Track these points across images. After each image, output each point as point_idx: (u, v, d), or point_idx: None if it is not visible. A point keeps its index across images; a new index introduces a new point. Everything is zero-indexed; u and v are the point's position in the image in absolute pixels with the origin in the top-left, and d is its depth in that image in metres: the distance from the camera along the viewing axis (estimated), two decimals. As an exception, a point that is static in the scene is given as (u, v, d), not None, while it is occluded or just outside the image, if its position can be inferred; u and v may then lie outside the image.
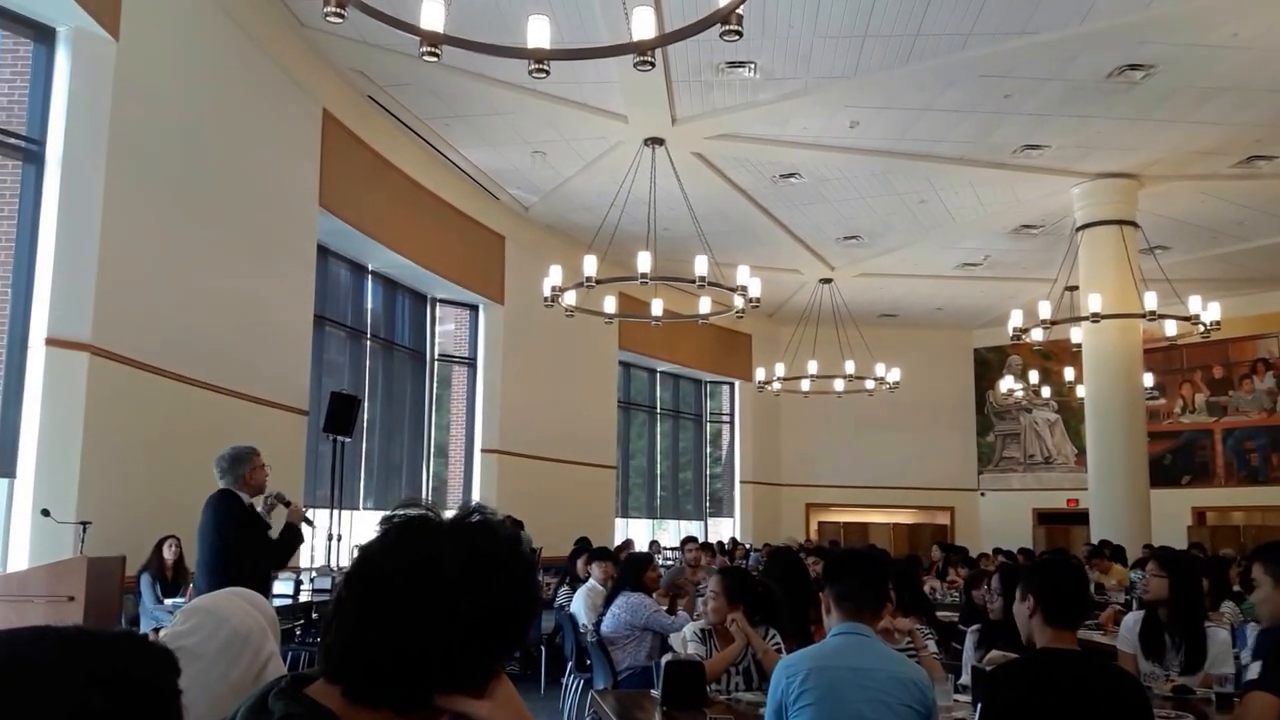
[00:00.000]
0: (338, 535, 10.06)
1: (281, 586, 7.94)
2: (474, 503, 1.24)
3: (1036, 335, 11.53)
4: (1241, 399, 17.73)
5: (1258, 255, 14.83)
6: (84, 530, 6.57)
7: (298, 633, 7.86)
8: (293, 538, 5.65)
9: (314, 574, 8.84)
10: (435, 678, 1.13)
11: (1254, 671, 3.13)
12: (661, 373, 19.50)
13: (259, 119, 9.21)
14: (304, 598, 8.03)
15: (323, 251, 10.79)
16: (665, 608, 6.46)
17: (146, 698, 0.91)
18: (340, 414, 10.01)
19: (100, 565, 6.28)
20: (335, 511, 10.24)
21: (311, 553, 10.36)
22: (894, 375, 15.53)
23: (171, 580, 7.29)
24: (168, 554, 7.33)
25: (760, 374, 16.32)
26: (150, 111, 7.70)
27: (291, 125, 9.74)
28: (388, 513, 1.23)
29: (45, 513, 6.47)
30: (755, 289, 9.98)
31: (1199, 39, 8.83)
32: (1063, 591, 2.97)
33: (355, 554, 1.22)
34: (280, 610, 7.45)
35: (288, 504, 5.72)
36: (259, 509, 5.56)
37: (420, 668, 1.13)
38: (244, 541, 5.20)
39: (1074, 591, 3.02)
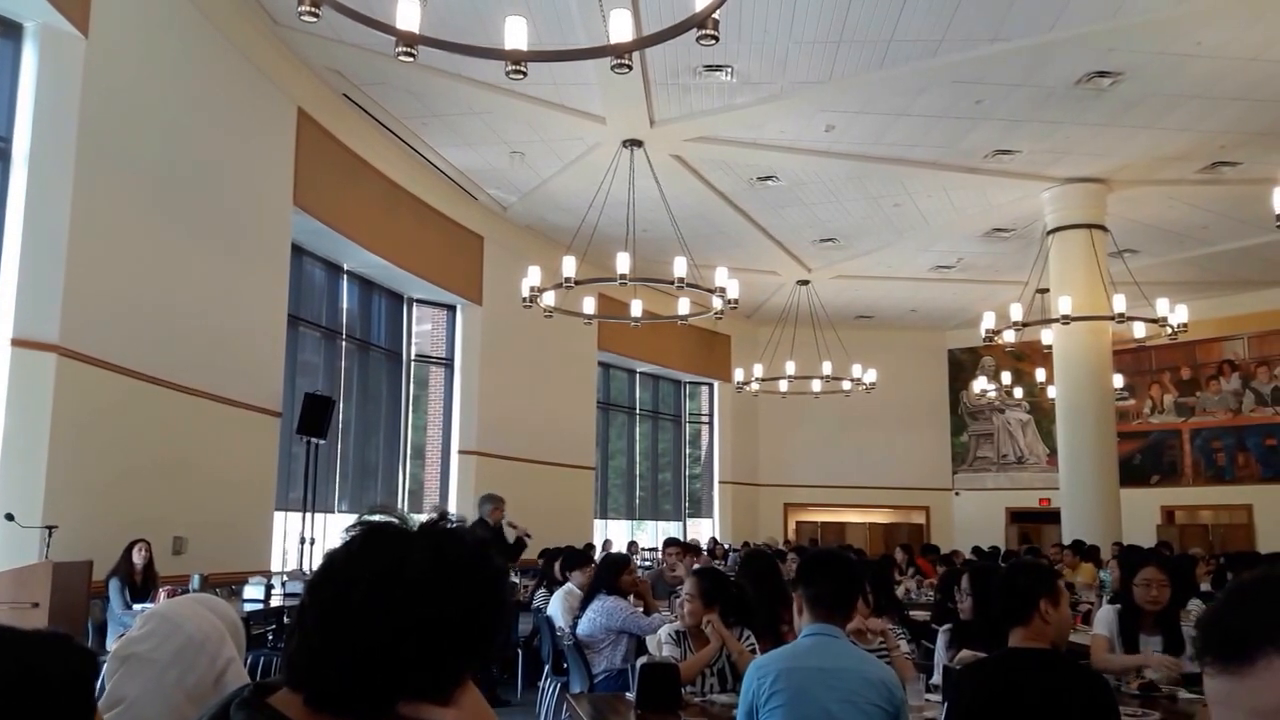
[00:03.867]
0: (310, 539, 9.99)
1: (252, 591, 7.90)
2: (443, 509, 1.24)
3: (1008, 337, 11.63)
4: (1208, 400, 17.95)
5: (1223, 259, 15.01)
6: (49, 535, 6.49)
7: (269, 638, 7.80)
8: (519, 546, 9.84)
9: (285, 578, 8.78)
10: (399, 686, 1.12)
11: None
12: (641, 373, 19.51)
13: (232, 117, 9.15)
14: (275, 602, 7.96)
15: (297, 251, 10.73)
16: (642, 608, 6.48)
17: (48, 695, 0.92)
18: (314, 415, 9.95)
19: (66, 570, 6.20)
20: (308, 515, 10.18)
21: (283, 557, 10.31)
22: (870, 376, 15.63)
23: (141, 585, 7.11)
24: (137, 558, 7.16)
25: (739, 375, 16.38)
26: (120, 109, 7.63)
27: (265, 123, 9.69)
28: (354, 520, 1.22)
29: (9, 517, 6.35)
30: (733, 290, 10.02)
31: (1165, 47, 8.94)
32: (1001, 591, 3.00)
33: (321, 561, 1.22)
34: (251, 615, 7.45)
35: (514, 526, 9.87)
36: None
37: (383, 676, 1.11)
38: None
39: (1006, 590, 3.02)
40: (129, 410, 7.65)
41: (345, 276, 12.35)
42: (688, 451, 20.75)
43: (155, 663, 1.81)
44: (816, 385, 15.73)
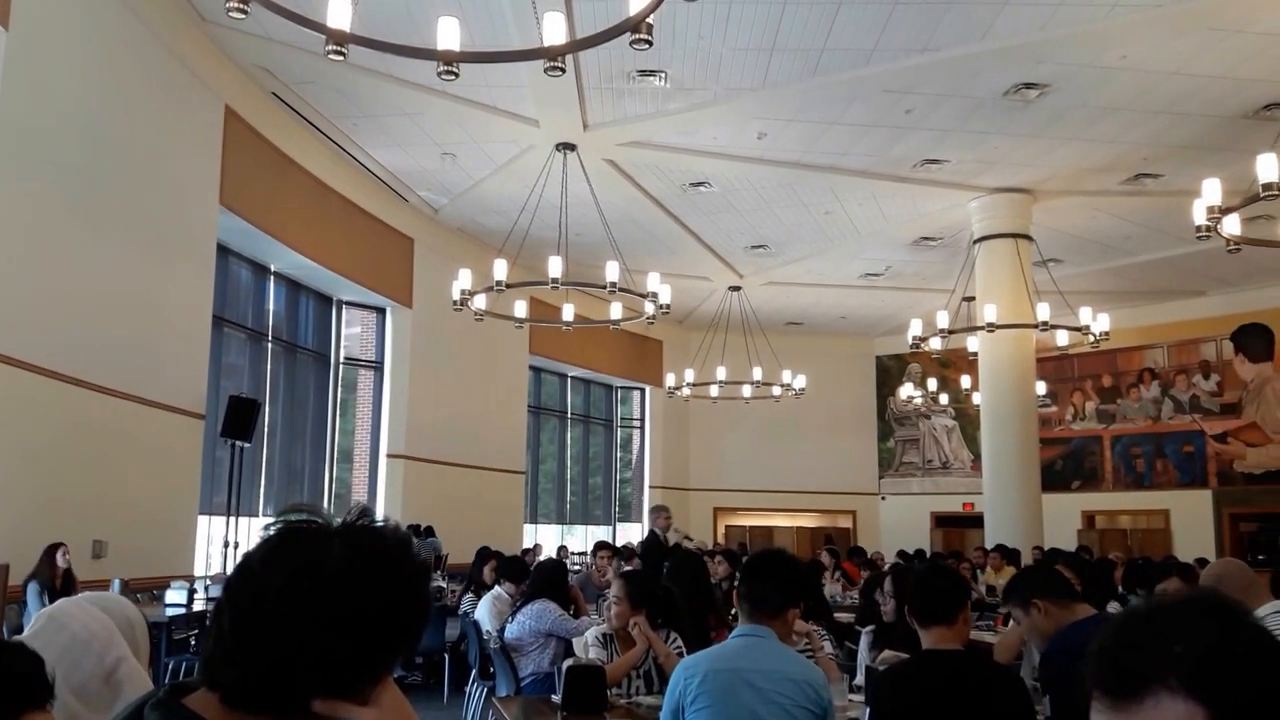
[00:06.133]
0: (234, 543, 9.80)
1: (174, 596, 7.74)
2: (361, 506, 1.23)
3: (935, 344, 11.82)
4: (1129, 407, 18.44)
5: (1144, 269, 15.44)
6: (-37, 538, 6.30)
7: (192, 643, 7.65)
8: (677, 548, 10.23)
9: (208, 583, 8.61)
10: (316, 684, 1.11)
11: (1049, 706, 3.31)
12: (572, 378, 19.48)
13: (157, 114, 8.95)
14: (198, 607, 7.82)
15: (223, 251, 10.53)
16: (572, 611, 6.46)
17: None
18: (239, 418, 9.76)
19: (-21, 574, 6.02)
20: (232, 519, 9.98)
21: (207, 561, 10.11)
22: (800, 382, 15.80)
23: (61, 589, 6.94)
24: (62, 561, 7.03)
25: (670, 379, 16.44)
26: (40, 103, 7.44)
27: (191, 121, 9.49)
28: (271, 519, 1.21)
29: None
30: (666, 295, 10.07)
31: (1091, 60, 9.18)
32: (923, 590, 3.07)
33: (237, 562, 1.21)
34: (173, 620, 7.29)
35: (679, 531, 11.04)
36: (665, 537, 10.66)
37: (300, 674, 1.11)
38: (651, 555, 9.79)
39: (932, 589, 3.08)
40: (47, 411, 7.45)
41: (272, 278, 12.14)
42: (619, 456, 20.77)
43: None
44: (747, 390, 15.87)
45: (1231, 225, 7.44)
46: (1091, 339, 11.34)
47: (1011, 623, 5.17)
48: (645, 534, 11.20)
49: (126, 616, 1.97)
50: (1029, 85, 9.67)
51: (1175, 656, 0.91)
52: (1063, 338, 11.82)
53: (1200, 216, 7.24)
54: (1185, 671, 0.90)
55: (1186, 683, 0.89)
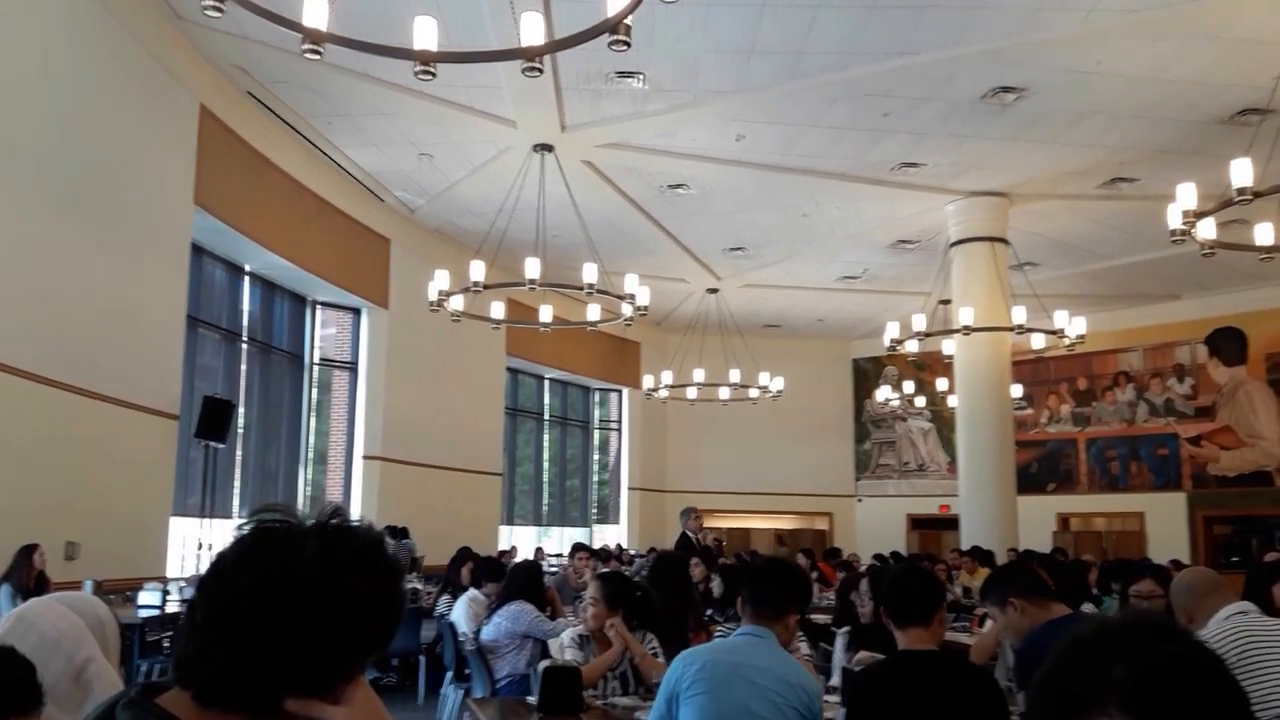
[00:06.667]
0: (208, 544, 9.73)
1: (148, 597, 7.68)
2: (334, 505, 1.22)
3: (911, 347, 11.87)
4: (1104, 410, 18.57)
5: (1120, 273, 15.54)
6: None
7: (165, 645, 7.57)
8: (707, 551, 10.41)
9: (182, 585, 8.54)
10: (288, 683, 1.11)
11: (1022, 703, 3.34)
12: (549, 379, 19.44)
13: (130, 112, 8.87)
14: (171, 609, 7.75)
15: (197, 251, 10.44)
16: (549, 613, 6.44)
17: None
18: (213, 419, 9.69)
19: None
20: (206, 520, 9.91)
21: (181, 563, 10.02)
22: (777, 384, 15.82)
23: (34, 591, 6.84)
24: (39, 562, 6.95)
25: (648, 381, 16.44)
26: (11, 100, 7.36)
27: (166, 120, 9.41)
28: (243, 519, 1.21)
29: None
30: (643, 297, 10.04)
31: (1068, 64, 9.24)
32: (899, 591, 3.10)
33: (210, 561, 1.20)
34: (147, 621, 7.21)
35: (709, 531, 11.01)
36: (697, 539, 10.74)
37: (272, 672, 1.10)
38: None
39: (907, 590, 3.12)
40: (18, 411, 7.37)
41: (247, 278, 12.05)
42: (596, 458, 20.74)
43: None
44: (724, 393, 15.90)
45: (1206, 229, 7.50)
46: (1067, 342, 11.41)
47: (988, 623, 5.19)
48: (678, 536, 11.02)
49: (97, 616, 1.96)
50: (1006, 89, 9.73)
51: (1113, 680, 0.92)
52: (1038, 341, 11.89)
53: (1175, 220, 7.29)
54: (1123, 694, 0.91)
55: (1124, 706, 0.90)
